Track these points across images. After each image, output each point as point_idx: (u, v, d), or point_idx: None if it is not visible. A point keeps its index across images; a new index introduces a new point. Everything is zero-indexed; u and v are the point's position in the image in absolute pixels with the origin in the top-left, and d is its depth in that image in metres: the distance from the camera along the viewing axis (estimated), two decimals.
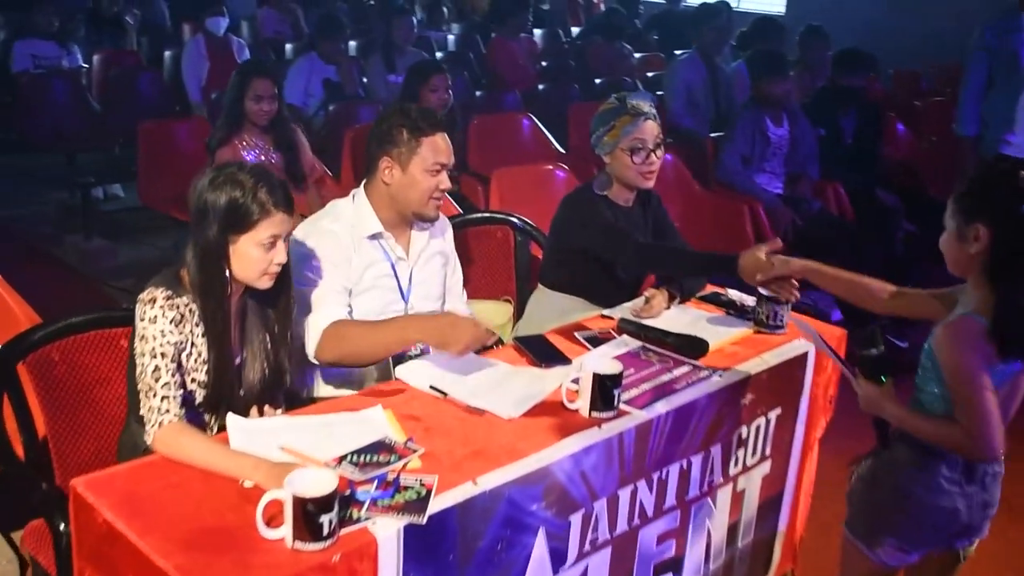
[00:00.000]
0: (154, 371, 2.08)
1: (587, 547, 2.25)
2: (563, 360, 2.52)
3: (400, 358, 2.70)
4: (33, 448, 2.35)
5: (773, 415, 2.70)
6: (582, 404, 2.26)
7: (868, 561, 2.29)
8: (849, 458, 2.42)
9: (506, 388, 2.36)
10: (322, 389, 2.74)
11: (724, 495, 2.63)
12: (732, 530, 2.71)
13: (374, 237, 2.69)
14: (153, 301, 2.10)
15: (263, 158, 4.32)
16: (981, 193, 2.05)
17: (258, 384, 2.30)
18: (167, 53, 7.40)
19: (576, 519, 2.19)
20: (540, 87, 7.08)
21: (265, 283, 2.21)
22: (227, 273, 2.16)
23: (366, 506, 1.86)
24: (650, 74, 7.86)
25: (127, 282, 5.14)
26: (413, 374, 2.42)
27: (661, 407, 2.32)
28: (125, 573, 1.77)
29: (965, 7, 8.08)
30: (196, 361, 2.19)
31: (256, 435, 2.10)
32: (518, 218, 3.54)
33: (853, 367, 2.23)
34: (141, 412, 2.09)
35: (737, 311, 2.91)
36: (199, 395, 2.22)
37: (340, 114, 5.78)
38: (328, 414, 2.22)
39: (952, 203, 2.11)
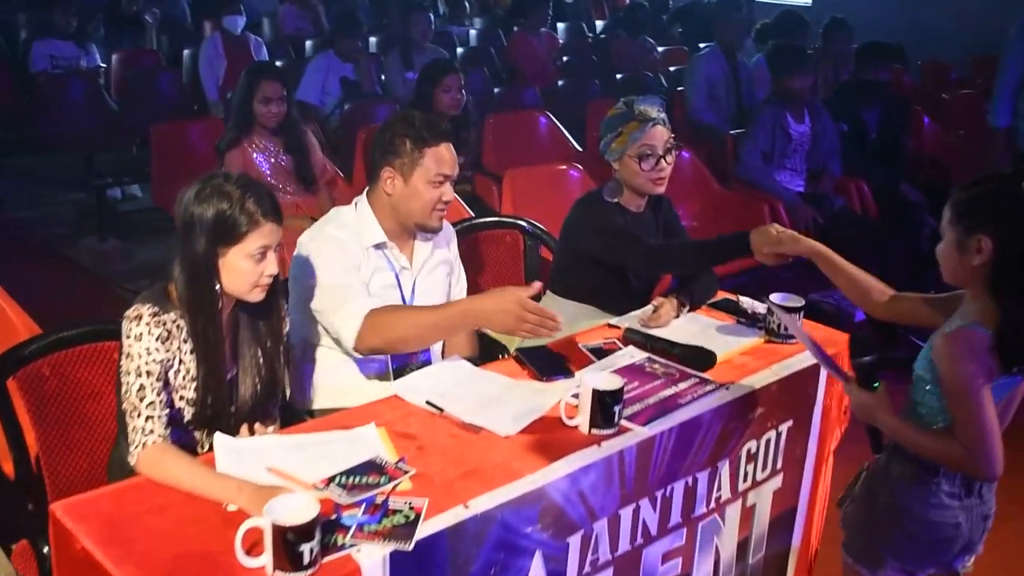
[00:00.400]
0: (139, 390, 2.03)
1: (587, 568, 2.18)
2: (565, 373, 2.45)
3: (402, 369, 2.65)
4: (24, 465, 2.32)
5: (784, 428, 2.60)
6: (581, 421, 2.19)
7: None
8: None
9: (505, 403, 2.30)
10: (320, 402, 2.69)
11: (733, 511, 2.54)
12: (742, 546, 2.63)
13: (378, 247, 2.63)
14: (139, 318, 2.05)
15: (273, 160, 4.28)
16: (985, 204, 1.95)
17: (251, 400, 2.25)
18: (186, 52, 7.37)
19: (575, 540, 2.12)
20: (560, 83, 6.99)
21: (256, 296, 2.16)
22: (216, 287, 2.10)
23: (351, 532, 1.80)
24: (673, 68, 7.73)
25: (141, 284, 5.11)
26: (410, 389, 2.36)
27: (664, 423, 2.24)
28: None
29: None
30: (184, 378, 2.14)
31: (244, 455, 2.04)
32: (527, 222, 3.47)
33: (846, 373, 2.15)
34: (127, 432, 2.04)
35: (748, 319, 2.82)
36: (188, 413, 2.17)
37: (356, 113, 5.73)
38: (320, 432, 2.17)
39: (951, 210, 2.00)
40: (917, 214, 5.24)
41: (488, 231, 3.45)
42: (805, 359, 2.61)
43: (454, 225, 2.99)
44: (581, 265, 2.96)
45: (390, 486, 1.94)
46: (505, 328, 2.37)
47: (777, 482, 2.65)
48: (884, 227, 5.05)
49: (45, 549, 2.04)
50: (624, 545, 2.25)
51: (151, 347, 2.04)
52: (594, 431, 2.17)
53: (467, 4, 10.36)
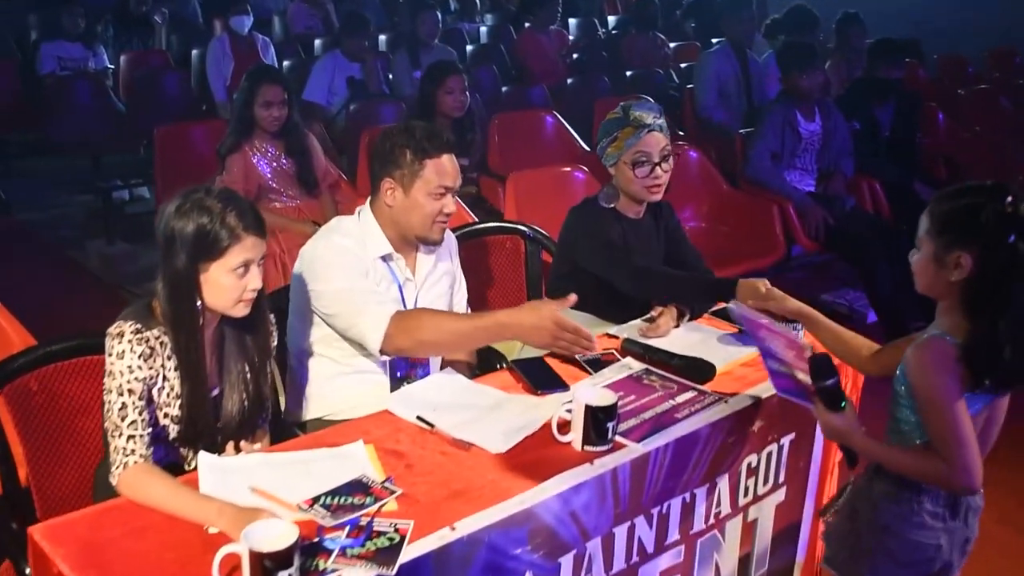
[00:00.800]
0: (120, 409, 1.99)
1: None
2: (560, 386, 2.40)
3: (402, 381, 2.61)
4: (10, 482, 2.29)
5: (787, 440, 2.55)
6: (574, 437, 2.14)
7: None
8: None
9: (497, 419, 2.25)
10: (315, 411, 2.65)
11: (733, 527, 2.49)
12: (744, 562, 2.57)
13: (384, 258, 2.59)
14: (121, 335, 2.02)
15: (274, 164, 4.25)
16: (966, 219, 1.86)
17: (237, 416, 2.21)
18: (194, 52, 7.35)
19: (567, 561, 2.07)
20: (569, 81, 6.92)
21: (240, 311, 2.12)
22: (198, 304, 2.06)
23: (333, 556, 1.76)
24: (684, 65, 7.65)
25: (147, 287, 5.07)
26: (402, 404, 2.31)
27: (660, 439, 2.19)
28: None
29: None
30: (169, 396, 2.10)
31: (228, 474, 2.01)
32: (528, 227, 3.42)
33: (810, 397, 2.05)
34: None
35: None
36: (173, 430, 2.13)
37: (361, 113, 5.69)
38: (307, 450, 2.12)
39: (929, 222, 1.92)
40: None
41: (488, 237, 3.40)
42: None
43: (453, 230, 2.95)
44: (579, 273, 2.91)
45: (375, 507, 1.90)
46: (539, 344, 2.36)
47: (780, 496, 2.60)
48: (897, 227, 4.96)
49: (28, 570, 2.01)
50: (619, 564, 2.20)
51: (133, 365, 2.01)
52: (587, 448, 2.12)
53: (478, 1, 10.28)
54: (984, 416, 1.97)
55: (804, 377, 2.04)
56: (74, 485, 2.38)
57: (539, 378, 2.43)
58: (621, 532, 2.18)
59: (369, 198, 2.64)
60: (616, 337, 2.69)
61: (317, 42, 8.01)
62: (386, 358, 2.54)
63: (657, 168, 2.81)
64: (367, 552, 1.77)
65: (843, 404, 1.98)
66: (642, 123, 2.81)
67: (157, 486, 1.92)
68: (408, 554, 1.77)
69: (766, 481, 2.53)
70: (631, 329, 2.75)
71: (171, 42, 8.26)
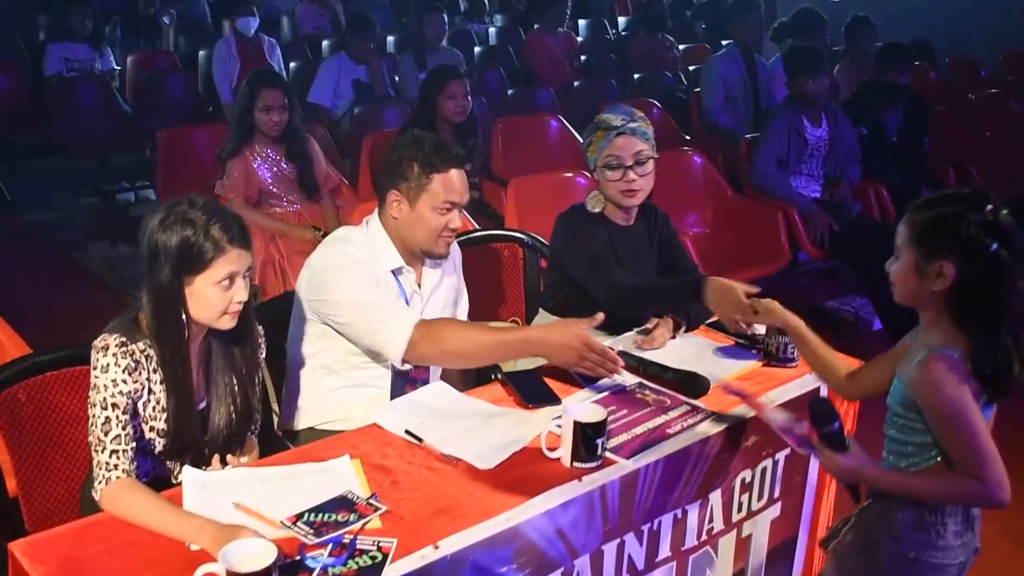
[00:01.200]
0: (104, 423, 1.98)
1: None
2: (552, 400, 2.38)
3: (402, 392, 2.58)
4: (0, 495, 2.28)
5: (782, 456, 2.51)
6: (563, 453, 2.11)
7: None
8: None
9: (486, 433, 2.23)
10: (311, 420, 2.63)
11: (727, 543, 2.46)
12: None
13: (395, 272, 2.57)
14: (106, 348, 2.00)
15: (275, 169, 4.24)
16: (946, 228, 1.83)
17: (224, 429, 2.20)
18: (201, 53, 7.35)
19: None
20: (575, 84, 6.89)
21: (226, 323, 2.10)
22: (183, 317, 2.05)
23: (314, 574, 1.74)
24: (693, 68, 7.60)
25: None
26: (390, 418, 2.29)
27: (650, 456, 2.16)
28: None
29: None
30: (155, 409, 2.09)
31: (212, 489, 1.99)
32: (526, 234, 3.39)
33: (809, 443, 2.00)
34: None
35: (747, 341, 2.73)
36: (159, 444, 2.12)
37: (365, 117, 5.67)
38: (293, 464, 2.11)
39: (908, 231, 1.89)
40: None
41: (486, 245, 3.38)
42: (803, 384, 2.52)
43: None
44: (571, 281, 2.88)
45: (359, 524, 1.89)
46: (565, 363, 2.36)
47: (775, 511, 2.57)
48: None
49: None
50: None
51: (118, 378, 1.99)
52: (576, 465, 2.09)
53: (486, 1, 10.26)
54: (991, 423, 1.94)
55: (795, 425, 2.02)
56: (63, 496, 2.37)
57: (531, 391, 2.40)
58: (610, 549, 2.15)
59: (376, 209, 2.62)
60: (611, 349, 2.65)
61: (325, 43, 8.01)
62: (407, 366, 2.52)
63: (630, 172, 2.79)
64: (349, 571, 1.76)
65: (847, 443, 1.95)
66: (610, 126, 2.79)
67: (139, 502, 1.90)
68: (390, 573, 1.76)
69: (760, 496, 2.50)
70: (626, 341, 2.72)
71: (178, 43, 8.26)
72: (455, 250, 2.78)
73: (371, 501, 1.96)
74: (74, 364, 2.35)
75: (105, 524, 1.90)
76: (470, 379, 2.77)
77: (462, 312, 2.83)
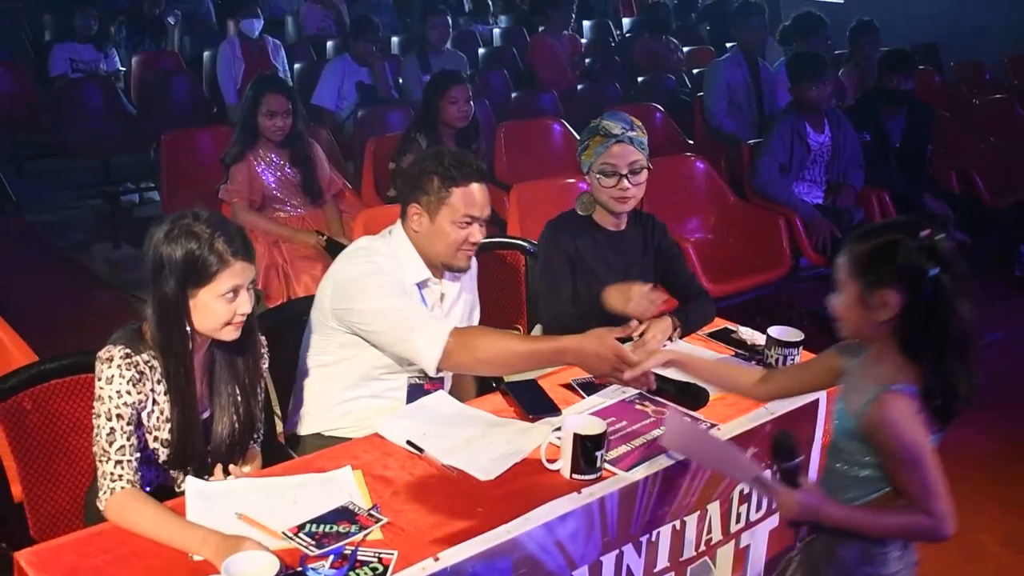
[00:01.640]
0: (108, 434, 2.00)
1: None
2: (553, 410, 2.40)
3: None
4: (4, 500, 2.30)
5: None
6: (563, 465, 2.14)
7: None
8: None
9: (487, 444, 2.25)
10: (321, 425, 2.64)
11: (725, 553, 2.48)
12: None
13: (420, 284, 2.58)
14: (110, 360, 2.02)
15: (279, 174, 4.26)
16: (885, 256, 1.81)
17: (227, 439, 2.22)
18: (205, 54, 7.36)
19: None
20: (579, 87, 6.89)
21: (230, 334, 2.12)
22: (187, 329, 2.07)
23: None
24: (697, 71, 7.60)
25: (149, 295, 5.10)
26: (392, 428, 2.31)
27: (649, 468, 2.18)
28: None
29: None
30: (159, 419, 2.11)
31: (215, 500, 2.01)
32: (528, 242, 3.40)
33: (772, 485, 1.95)
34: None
35: (747, 351, 2.75)
36: (163, 454, 2.14)
37: (369, 120, 5.68)
38: (295, 475, 2.13)
39: (848, 263, 1.87)
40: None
41: (488, 252, 3.38)
42: (803, 397, 2.52)
43: None
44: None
45: (360, 536, 1.91)
46: (598, 372, 2.38)
47: (773, 522, 2.58)
48: None
49: None
50: None
51: (122, 390, 2.01)
52: (575, 476, 2.12)
53: (490, 2, 10.26)
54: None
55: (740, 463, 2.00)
56: (67, 503, 2.38)
57: (532, 402, 2.43)
58: (609, 560, 2.17)
59: (399, 220, 2.63)
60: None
61: (329, 44, 8.01)
62: (443, 374, 2.53)
63: (624, 180, 2.81)
64: None
65: (801, 480, 1.90)
66: (609, 133, 2.81)
67: (144, 512, 1.93)
68: None
69: (759, 507, 2.52)
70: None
71: (183, 44, 8.27)
72: (473, 263, 2.79)
73: (372, 512, 1.98)
74: (79, 372, 2.36)
75: (109, 534, 1.92)
76: (480, 391, 2.79)
77: (474, 320, 2.84)
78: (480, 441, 2.26)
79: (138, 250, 5.80)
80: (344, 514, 1.97)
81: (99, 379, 2.03)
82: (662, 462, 2.21)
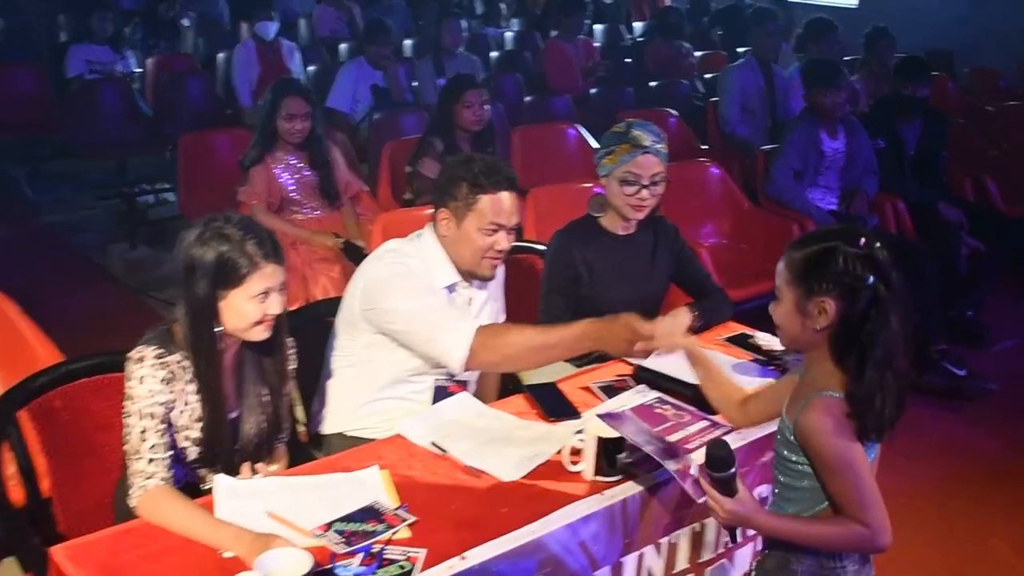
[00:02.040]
0: (141, 433, 2.03)
1: None
2: (573, 414, 2.42)
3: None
4: (34, 497, 2.33)
5: None
6: (585, 467, 2.17)
7: None
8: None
9: (510, 446, 2.28)
10: (346, 424, 2.67)
11: (743, 554, 2.50)
12: None
13: (449, 288, 2.62)
14: (142, 360, 2.06)
15: (297, 176, 4.29)
16: (822, 264, 1.81)
17: (255, 438, 2.25)
18: (220, 56, 7.41)
19: None
20: (592, 91, 6.92)
21: (259, 335, 2.15)
22: (217, 330, 2.10)
23: None
24: (708, 75, 7.63)
25: (169, 293, 5.14)
26: (416, 429, 2.34)
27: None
28: None
29: None
30: (189, 419, 2.14)
31: (244, 498, 2.04)
32: (545, 245, 3.42)
33: (703, 488, 1.93)
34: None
35: (765, 357, 2.77)
36: (193, 452, 2.17)
37: (384, 123, 5.71)
38: (322, 475, 2.16)
39: (787, 272, 1.87)
40: (955, 234, 5.10)
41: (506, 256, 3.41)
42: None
43: None
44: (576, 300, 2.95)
45: (388, 534, 1.93)
46: (617, 351, 2.41)
47: None
48: (920, 247, 4.93)
49: None
50: None
51: (153, 389, 2.05)
52: (598, 478, 2.14)
53: (503, 6, 10.29)
54: (875, 464, 1.92)
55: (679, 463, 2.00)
56: (95, 499, 2.41)
57: (553, 405, 2.45)
58: (630, 561, 2.20)
59: (429, 224, 2.66)
60: (629, 363, 2.70)
61: (343, 46, 8.06)
62: (469, 373, 2.56)
63: (644, 190, 2.85)
64: None
65: (736, 488, 1.89)
66: (639, 144, 2.84)
67: (176, 509, 1.96)
68: None
69: None
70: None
71: (198, 45, 8.31)
72: (500, 269, 2.81)
73: (399, 512, 2.01)
74: (106, 372, 2.40)
75: (139, 531, 1.96)
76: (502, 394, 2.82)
77: None
78: (502, 442, 2.29)
79: (154, 251, 5.93)
80: (372, 513, 2.00)
81: (130, 379, 2.06)
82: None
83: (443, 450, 2.25)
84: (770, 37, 6.15)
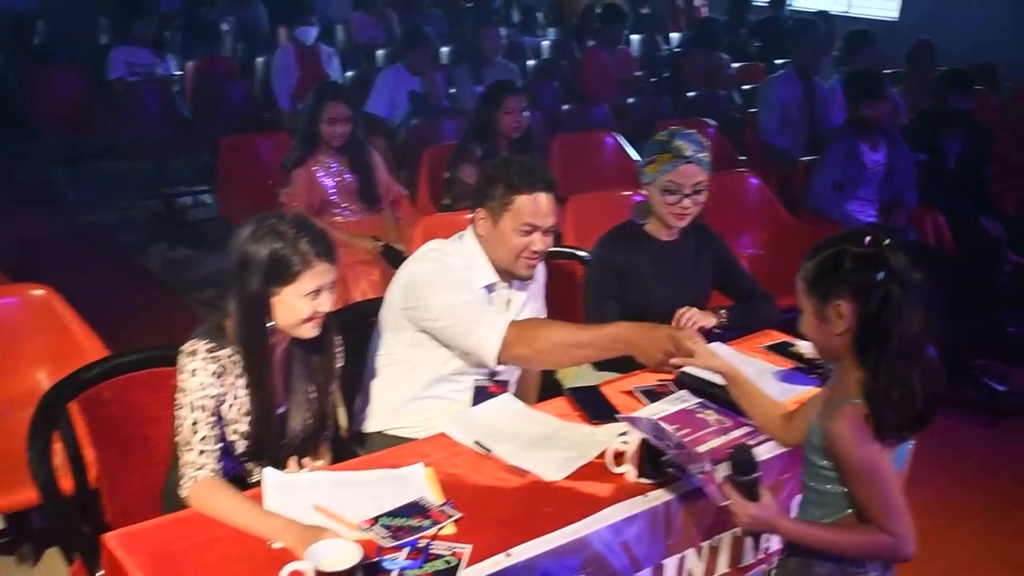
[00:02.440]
0: (192, 425, 2.07)
1: None
2: (616, 417, 2.42)
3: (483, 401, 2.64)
4: (82, 487, 2.37)
5: None
6: (628, 469, 2.17)
7: None
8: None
9: (553, 447, 2.29)
10: (388, 423, 2.70)
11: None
12: None
13: (488, 288, 2.64)
14: (194, 353, 2.09)
15: (337, 179, 4.33)
16: (831, 268, 1.82)
17: (301, 434, 2.28)
18: (259, 60, 7.49)
19: None
20: (630, 100, 6.93)
21: (309, 331, 2.18)
22: (268, 326, 2.13)
23: None
24: (746, 87, 7.61)
25: (208, 293, 5.21)
26: (459, 429, 2.36)
27: None
28: None
29: None
30: (238, 412, 2.17)
31: (292, 491, 2.07)
32: (586, 251, 3.44)
33: (725, 491, 1.93)
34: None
35: (807, 365, 2.77)
36: (241, 445, 2.20)
37: (422, 129, 5.75)
38: (368, 470, 2.18)
39: (801, 283, 1.89)
40: (997, 249, 5.06)
41: (546, 261, 3.42)
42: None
43: None
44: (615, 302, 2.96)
45: (434, 530, 1.95)
46: (650, 360, 2.37)
47: None
48: (961, 261, 4.89)
49: (99, 573, 2.08)
50: None
51: (205, 382, 2.08)
52: (641, 480, 2.15)
53: (539, 15, 10.33)
54: (904, 470, 1.91)
55: (702, 468, 1.99)
56: (141, 490, 2.45)
57: (595, 408, 2.46)
58: (672, 563, 2.20)
59: (470, 225, 2.69)
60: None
61: (380, 52, 8.12)
62: (501, 367, 2.58)
63: (686, 199, 2.87)
64: (425, 574, 1.82)
65: (760, 493, 1.90)
66: (681, 153, 2.85)
67: (226, 500, 1.99)
68: None
69: None
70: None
71: (236, 49, 8.40)
72: (541, 272, 2.82)
73: (444, 508, 2.02)
74: (155, 365, 2.44)
75: (188, 521, 1.99)
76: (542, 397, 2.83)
77: None
78: (546, 443, 2.30)
79: (193, 251, 5.98)
80: (417, 508, 2.01)
81: (182, 372, 2.09)
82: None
83: (487, 449, 2.26)
84: (810, 47, 6.13)
